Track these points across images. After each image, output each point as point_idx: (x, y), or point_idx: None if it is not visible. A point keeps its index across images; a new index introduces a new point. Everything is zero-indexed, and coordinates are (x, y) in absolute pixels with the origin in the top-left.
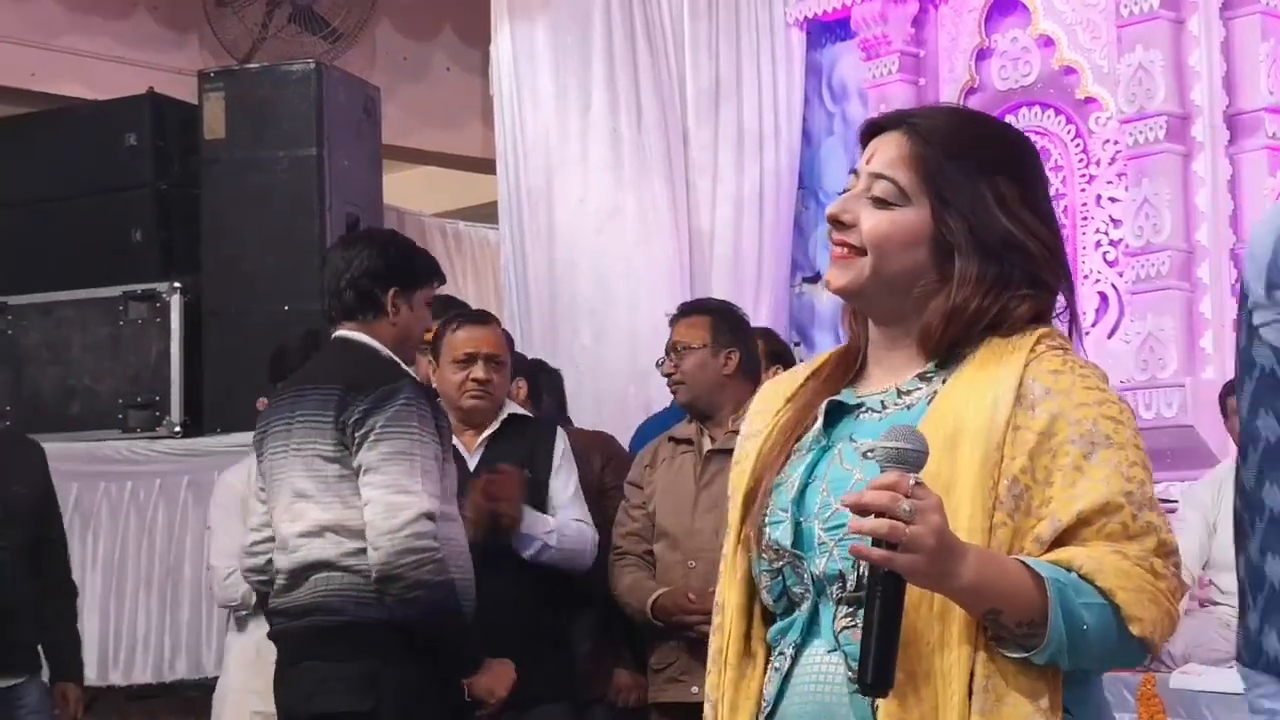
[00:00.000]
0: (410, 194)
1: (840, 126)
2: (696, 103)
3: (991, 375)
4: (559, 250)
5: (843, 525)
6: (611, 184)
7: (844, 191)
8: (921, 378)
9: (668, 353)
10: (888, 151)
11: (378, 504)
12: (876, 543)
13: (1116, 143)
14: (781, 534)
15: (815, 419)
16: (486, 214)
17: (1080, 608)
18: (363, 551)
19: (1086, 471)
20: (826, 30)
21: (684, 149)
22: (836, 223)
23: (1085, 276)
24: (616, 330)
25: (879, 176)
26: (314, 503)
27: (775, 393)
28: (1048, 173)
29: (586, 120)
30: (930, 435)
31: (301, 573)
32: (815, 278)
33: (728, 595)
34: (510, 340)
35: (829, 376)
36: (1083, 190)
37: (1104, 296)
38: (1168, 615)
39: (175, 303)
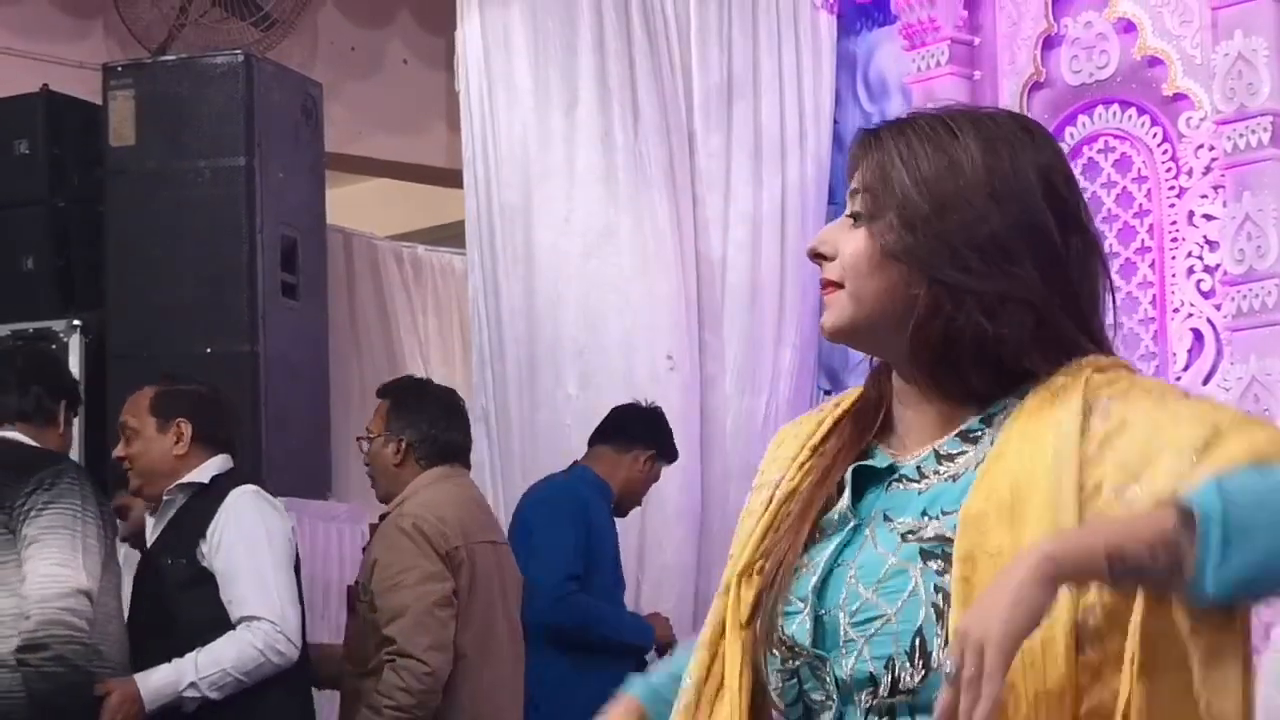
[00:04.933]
0: (360, 212)
1: None
2: (705, 102)
3: (1047, 421)
4: (539, 280)
5: (873, 619)
6: (603, 199)
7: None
8: (965, 437)
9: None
10: (867, 164)
11: (35, 575)
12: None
13: (1212, 148)
14: (798, 630)
15: (841, 488)
16: (452, 236)
17: (1259, 477)
18: None
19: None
20: (862, 14)
21: (690, 157)
22: (817, 256)
23: (1175, 310)
24: (608, 376)
25: (854, 192)
26: None
27: (795, 437)
28: (1129, 185)
29: (572, 122)
30: (987, 508)
31: None
32: None
33: (737, 681)
34: (174, 398)
35: (855, 426)
36: (1171, 206)
37: (1198, 334)
38: None
39: (75, 344)
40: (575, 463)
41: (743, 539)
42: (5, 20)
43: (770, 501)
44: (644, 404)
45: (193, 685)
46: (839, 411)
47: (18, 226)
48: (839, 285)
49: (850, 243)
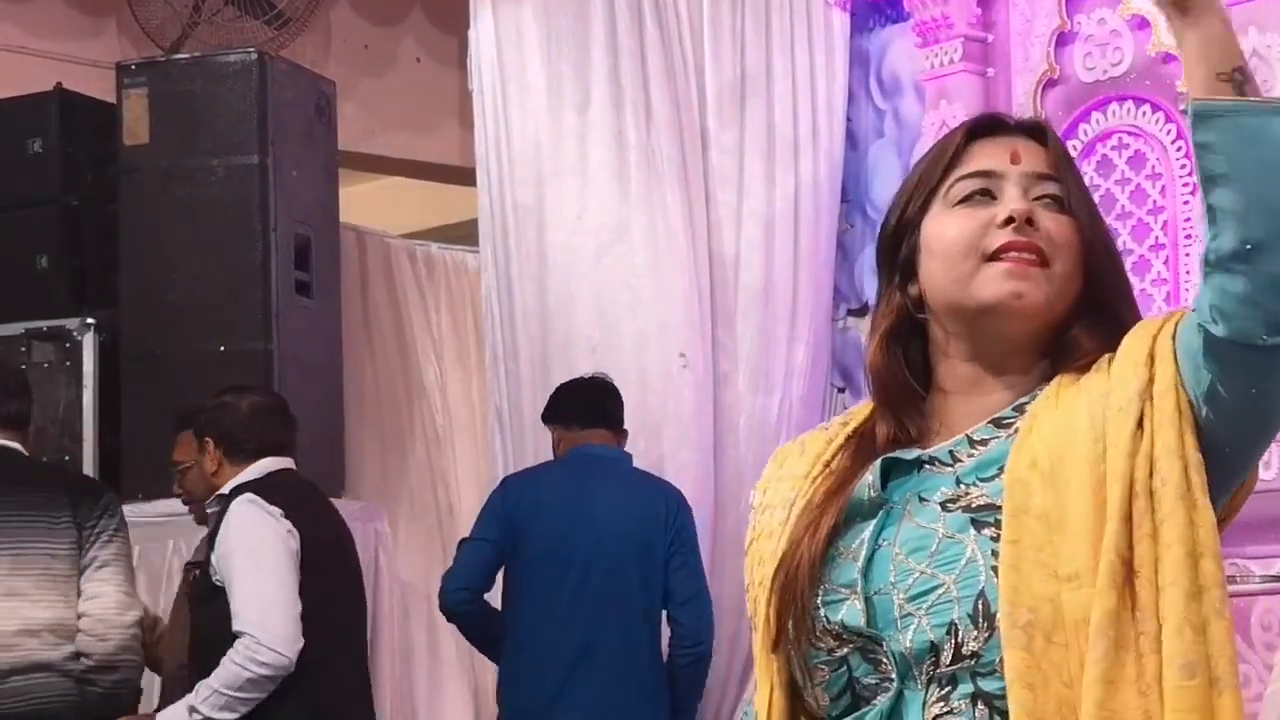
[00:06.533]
0: (373, 210)
1: (892, 126)
2: (718, 100)
3: (1080, 388)
4: (552, 278)
5: (931, 590)
6: (615, 198)
7: (965, 199)
8: (998, 424)
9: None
10: (1036, 151)
11: (106, 597)
12: None
13: None
14: (849, 614)
15: (865, 477)
16: (465, 234)
17: None
18: (77, 655)
19: None
20: (875, 11)
21: (702, 155)
22: (1028, 222)
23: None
24: (621, 374)
25: (1044, 176)
26: (29, 601)
27: (803, 455)
28: (1143, 182)
29: (585, 121)
30: (1030, 475)
31: (9, 674)
32: (862, 310)
33: (767, 705)
34: (208, 432)
35: (868, 441)
36: (1185, 203)
37: None
38: None
39: (88, 342)
40: (627, 453)
41: (766, 559)
42: (19, 19)
43: (789, 519)
44: (603, 379)
45: (193, 710)
46: (849, 429)
47: (31, 225)
48: (1046, 262)
49: (1060, 227)
